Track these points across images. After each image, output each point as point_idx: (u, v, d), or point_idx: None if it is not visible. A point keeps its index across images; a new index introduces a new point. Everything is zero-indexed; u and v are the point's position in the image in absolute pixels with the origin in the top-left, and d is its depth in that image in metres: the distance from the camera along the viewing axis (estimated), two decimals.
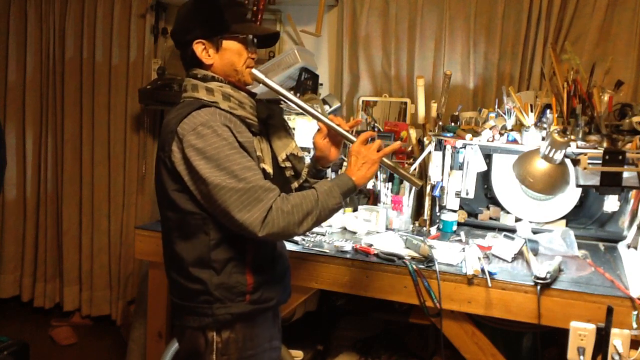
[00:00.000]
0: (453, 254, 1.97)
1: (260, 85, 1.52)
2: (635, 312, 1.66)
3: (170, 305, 1.60)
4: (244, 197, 1.34)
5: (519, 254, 2.04)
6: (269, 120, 1.56)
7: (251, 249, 1.48)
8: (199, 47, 1.46)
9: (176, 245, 1.48)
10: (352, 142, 1.53)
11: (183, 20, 1.51)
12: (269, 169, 1.52)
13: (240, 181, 1.34)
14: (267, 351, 1.56)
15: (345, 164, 2.45)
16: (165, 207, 1.49)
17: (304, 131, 2.56)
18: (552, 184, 2.10)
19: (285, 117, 2.13)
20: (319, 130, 1.60)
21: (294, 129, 2.56)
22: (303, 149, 1.73)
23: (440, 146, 2.32)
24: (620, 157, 1.91)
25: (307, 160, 1.68)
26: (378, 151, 1.50)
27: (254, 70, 1.50)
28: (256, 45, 1.54)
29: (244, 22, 1.52)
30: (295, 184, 1.66)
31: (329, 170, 2.52)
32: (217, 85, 1.47)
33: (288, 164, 1.59)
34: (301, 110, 1.57)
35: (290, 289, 1.66)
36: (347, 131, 1.56)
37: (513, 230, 2.26)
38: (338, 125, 1.56)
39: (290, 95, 1.55)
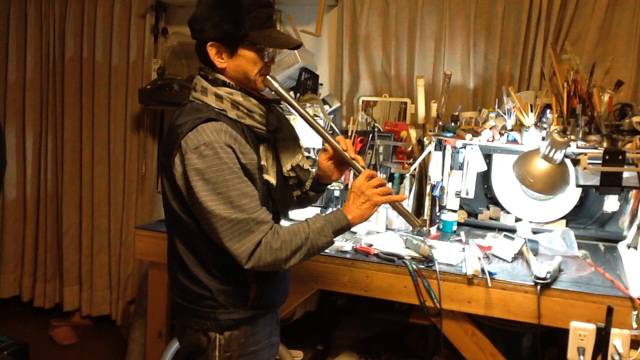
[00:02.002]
0: (453, 254, 1.97)
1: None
2: (635, 312, 1.66)
3: (172, 304, 1.60)
4: (236, 227, 1.33)
5: (519, 254, 2.04)
6: (277, 133, 1.51)
7: None
8: (212, 50, 1.40)
9: (180, 250, 1.48)
10: (358, 171, 1.51)
11: (201, 16, 1.41)
12: (272, 179, 1.50)
13: (234, 209, 1.33)
14: (267, 347, 1.57)
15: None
16: (170, 212, 1.48)
17: (304, 131, 2.56)
18: (552, 184, 2.10)
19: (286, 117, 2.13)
20: (324, 150, 1.58)
21: None
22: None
23: (440, 146, 2.32)
24: (620, 157, 1.91)
25: (313, 171, 1.67)
26: (378, 187, 1.46)
27: (268, 77, 1.46)
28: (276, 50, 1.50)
29: (265, 28, 1.41)
30: (297, 192, 1.66)
31: None
32: (227, 92, 1.42)
33: (292, 174, 1.58)
34: (309, 126, 1.54)
35: (289, 290, 1.66)
36: (353, 159, 1.52)
37: (513, 230, 2.26)
38: (345, 150, 1.53)
39: (301, 109, 1.53)
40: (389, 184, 2.43)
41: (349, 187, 1.50)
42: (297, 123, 2.61)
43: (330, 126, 2.60)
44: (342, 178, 2.49)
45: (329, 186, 2.36)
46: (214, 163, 1.33)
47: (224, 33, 1.38)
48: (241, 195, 1.34)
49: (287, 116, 1.67)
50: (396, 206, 1.55)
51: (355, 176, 1.52)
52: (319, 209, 2.47)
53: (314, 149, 2.59)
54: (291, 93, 2.63)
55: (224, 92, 1.42)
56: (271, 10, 1.46)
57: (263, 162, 1.48)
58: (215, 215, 1.33)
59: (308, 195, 1.66)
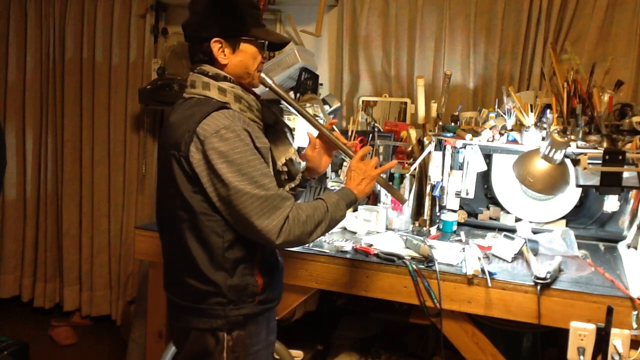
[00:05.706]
0: (453, 254, 1.97)
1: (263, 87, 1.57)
2: (635, 312, 1.66)
3: (170, 307, 1.60)
4: (265, 204, 1.37)
5: (519, 254, 2.04)
6: (276, 126, 1.59)
7: (259, 250, 1.51)
8: (216, 46, 1.46)
9: (189, 246, 1.46)
10: (350, 156, 1.63)
11: (201, 15, 1.48)
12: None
13: (259, 187, 1.37)
14: (266, 346, 1.59)
15: (345, 163, 2.48)
16: (178, 206, 1.46)
17: (305, 131, 2.56)
18: (552, 184, 2.10)
19: (285, 116, 2.15)
20: (309, 143, 1.66)
21: (293, 129, 2.56)
22: (302, 148, 1.78)
23: (440, 146, 2.32)
24: (620, 157, 1.91)
25: (304, 164, 1.71)
26: (376, 168, 1.61)
27: (262, 75, 1.54)
28: (267, 49, 1.57)
29: (260, 26, 1.54)
30: (286, 187, 1.66)
31: (329, 169, 2.53)
32: (229, 86, 1.48)
33: (285, 169, 1.62)
34: (306, 120, 1.65)
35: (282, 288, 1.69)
36: (345, 144, 1.64)
37: (513, 230, 2.26)
38: (337, 138, 1.65)
39: (295, 103, 1.61)
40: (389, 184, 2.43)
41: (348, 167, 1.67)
42: (297, 124, 2.62)
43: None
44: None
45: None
46: (237, 145, 1.38)
47: (227, 28, 1.46)
48: (263, 175, 1.40)
49: (286, 116, 1.71)
50: (386, 185, 1.74)
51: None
52: None
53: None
54: (291, 93, 2.64)
55: (227, 86, 1.48)
56: (260, 13, 1.60)
57: None
58: (244, 193, 1.36)
59: (296, 191, 1.67)
